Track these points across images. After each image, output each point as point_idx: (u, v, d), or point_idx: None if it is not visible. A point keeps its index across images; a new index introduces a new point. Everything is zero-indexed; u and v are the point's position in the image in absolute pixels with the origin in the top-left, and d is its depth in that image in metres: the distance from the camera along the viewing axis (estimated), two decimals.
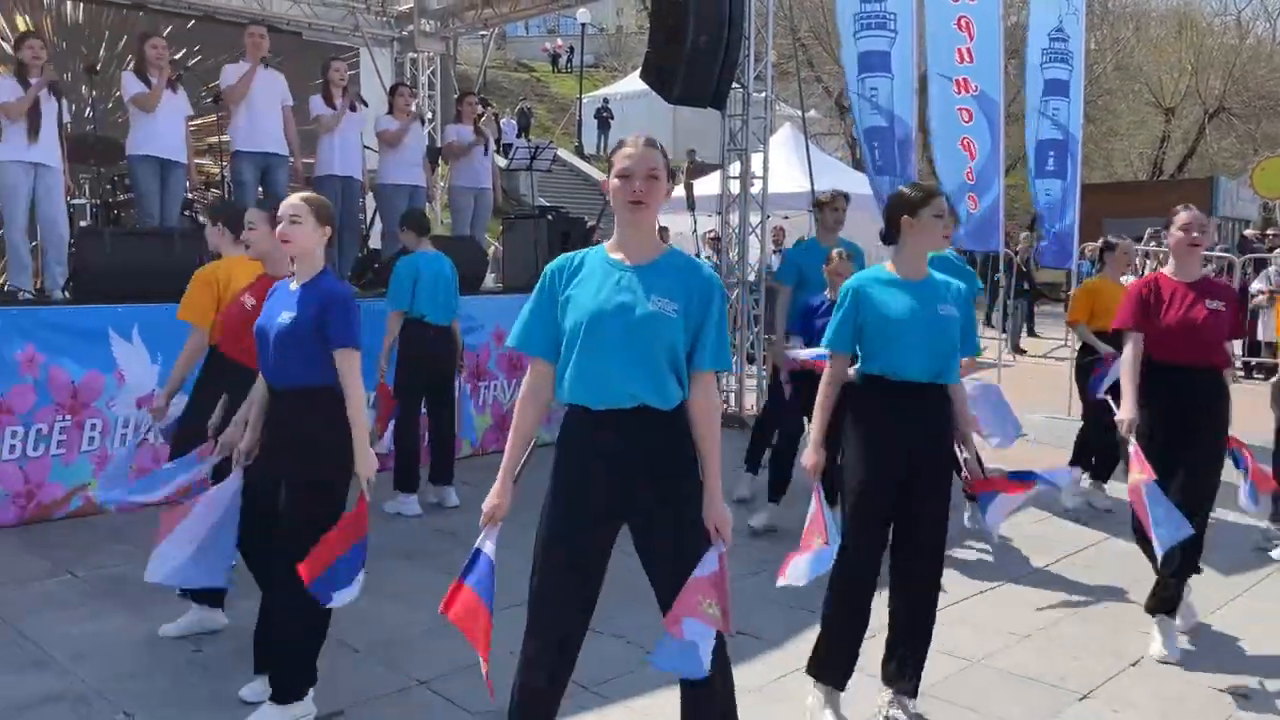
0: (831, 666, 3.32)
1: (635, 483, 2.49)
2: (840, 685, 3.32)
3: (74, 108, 7.45)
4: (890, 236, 3.35)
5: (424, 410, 5.93)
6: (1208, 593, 4.54)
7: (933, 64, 8.19)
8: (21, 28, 8.59)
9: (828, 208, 5.78)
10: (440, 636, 3.94)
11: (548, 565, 2.54)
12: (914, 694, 3.28)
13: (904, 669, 3.28)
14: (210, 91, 7.78)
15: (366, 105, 7.73)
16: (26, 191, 6.13)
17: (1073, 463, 6.20)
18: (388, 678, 3.59)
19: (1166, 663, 3.78)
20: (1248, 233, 15.80)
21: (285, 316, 3.19)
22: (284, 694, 3.19)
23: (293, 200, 3.27)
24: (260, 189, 7.17)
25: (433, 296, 5.72)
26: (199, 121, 8.14)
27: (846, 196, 5.93)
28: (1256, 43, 30.78)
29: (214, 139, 8.05)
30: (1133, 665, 3.77)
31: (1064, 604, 4.43)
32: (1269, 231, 13.81)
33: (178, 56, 7.63)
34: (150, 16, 9.33)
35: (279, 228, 3.24)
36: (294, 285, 3.27)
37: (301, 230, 3.22)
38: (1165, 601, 3.92)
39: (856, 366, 3.33)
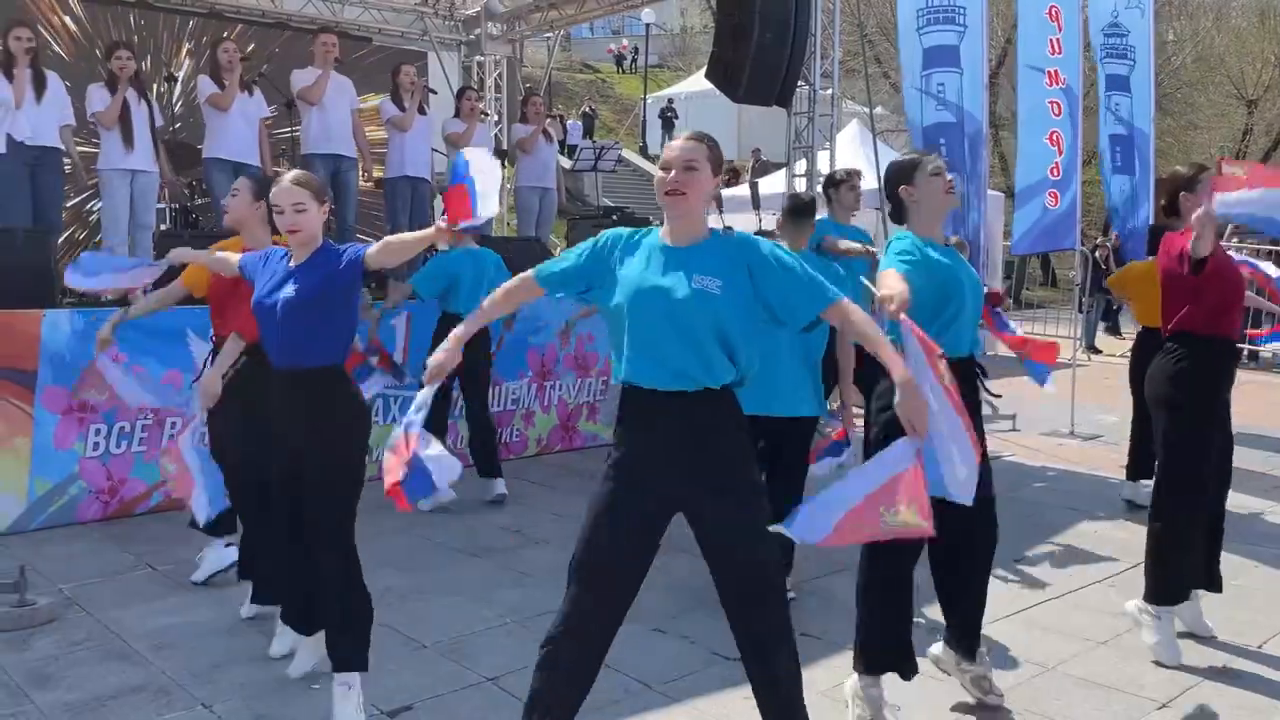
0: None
1: (688, 465, 2.49)
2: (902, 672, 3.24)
3: (165, 111, 7.66)
4: (898, 214, 3.32)
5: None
6: None
7: (1023, 56, 7.98)
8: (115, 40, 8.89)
9: (844, 185, 5.68)
10: (508, 633, 3.98)
11: (595, 538, 2.53)
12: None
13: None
14: (283, 96, 7.96)
15: (427, 113, 7.81)
16: (126, 198, 6.35)
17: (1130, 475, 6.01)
18: (456, 674, 3.62)
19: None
20: None
21: (290, 290, 3.14)
22: (350, 662, 3.19)
23: (288, 187, 3.18)
24: (330, 190, 7.30)
25: (474, 295, 5.71)
26: (272, 127, 8.33)
27: (860, 173, 5.84)
28: None
29: (285, 145, 8.24)
30: (1212, 677, 3.65)
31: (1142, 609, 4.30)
32: None
33: (253, 61, 7.80)
34: (225, 23, 9.57)
35: (286, 220, 3.18)
36: (293, 263, 3.22)
37: (308, 217, 3.18)
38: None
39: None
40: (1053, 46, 7.70)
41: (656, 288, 2.47)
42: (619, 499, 2.53)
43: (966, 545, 3.27)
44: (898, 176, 3.26)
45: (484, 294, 5.66)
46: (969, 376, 3.20)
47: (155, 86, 8.73)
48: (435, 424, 5.86)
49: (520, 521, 5.48)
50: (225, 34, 8.38)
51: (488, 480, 5.91)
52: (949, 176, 3.28)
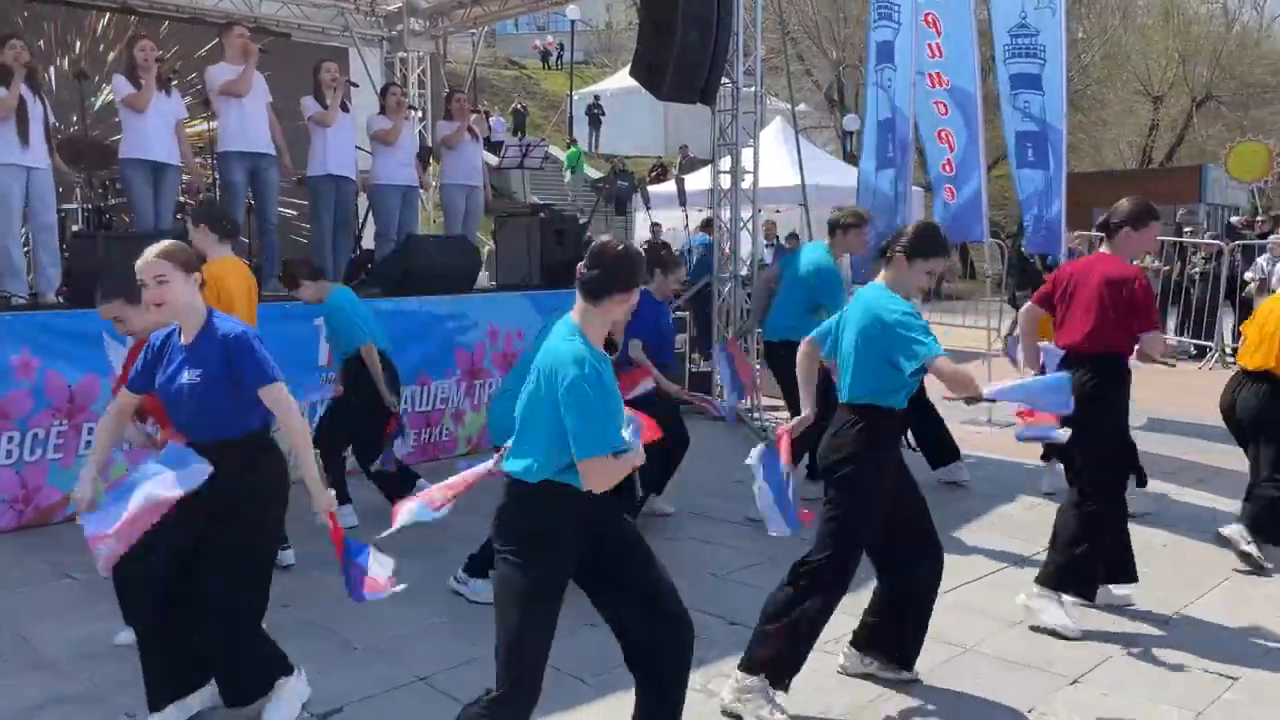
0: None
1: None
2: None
3: (58, 109, 7.42)
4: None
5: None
6: (1195, 577, 4.60)
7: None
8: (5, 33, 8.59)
9: (855, 230, 5.66)
10: (440, 633, 3.99)
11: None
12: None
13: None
14: (195, 94, 7.80)
15: (349, 110, 7.72)
16: (20, 195, 6.14)
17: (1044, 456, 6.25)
18: (388, 675, 3.63)
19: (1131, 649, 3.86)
20: (1234, 220, 15.86)
21: (191, 376, 3.03)
22: (246, 694, 3.20)
23: (149, 259, 3.04)
24: (250, 190, 7.19)
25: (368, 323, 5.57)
26: (197, 127, 8.16)
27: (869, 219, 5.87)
28: (1242, 30, 30.90)
29: (200, 141, 8.06)
30: (1122, 651, 3.82)
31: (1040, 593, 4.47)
32: (1257, 219, 13.88)
33: (165, 56, 7.60)
34: (140, 20, 9.33)
35: (149, 294, 3.04)
36: (184, 340, 3.09)
37: (171, 289, 3.03)
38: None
39: None
40: (931, 50, 7.96)
41: None
42: (557, 592, 2.66)
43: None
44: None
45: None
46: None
47: (48, 81, 8.45)
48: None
49: (451, 521, 5.46)
50: (139, 31, 8.17)
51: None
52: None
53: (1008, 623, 4.09)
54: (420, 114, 10.92)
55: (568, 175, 23.19)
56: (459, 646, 3.87)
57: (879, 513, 3.34)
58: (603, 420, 2.47)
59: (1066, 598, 4.04)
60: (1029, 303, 4.48)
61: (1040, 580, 4.10)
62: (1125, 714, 3.32)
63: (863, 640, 3.60)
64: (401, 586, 3.10)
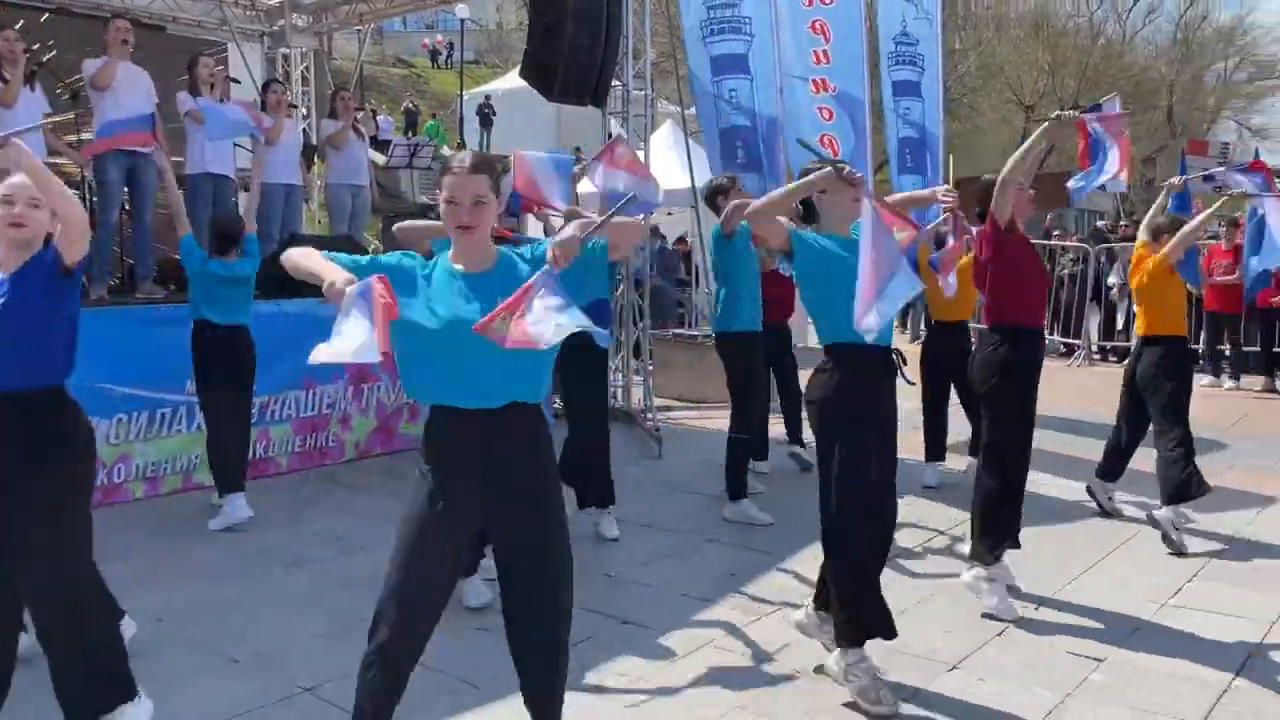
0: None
1: (496, 483, 2.58)
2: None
3: None
4: (810, 214, 3.62)
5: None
6: (1064, 563, 4.83)
7: (789, 65, 8.43)
8: None
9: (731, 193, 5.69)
10: (324, 643, 3.90)
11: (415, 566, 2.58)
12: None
13: None
14: (67, 88, 7.44)
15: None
16: None
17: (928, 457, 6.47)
18: (271, 687, 3.52)
19: (1020, 627, 4.04)
20: (1100, 224, 16.69)
21: None
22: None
23: (25, 180, 2.89)
24: (126, 189, 6.90)
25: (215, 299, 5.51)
26: (57, 119, 7.77)
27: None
28: (1107, 43, 32.56)
29: (73, 137, 7.68)
30: (997, 635, 3.98)
31: (937, 580, 4.63)
32: (1121, 223, 14.63)
33: (31, 49, 7.23)
34: (4, 11, 8.84)
35: (14, 210, 2.87)
36: (2, 271, 2.89)
37: (39, 215, 2.91)
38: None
39: None
40: (817, 57, 8.18)
41: (466, 315, 2.49)
42: (437, 525, 2.56)
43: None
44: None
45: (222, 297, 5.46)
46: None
47: None
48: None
49: (339, 528, 5.35)
50: (5, 21, 7.74)
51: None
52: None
53: (895, 611, 4.22)
54: (304, 112, 10.65)
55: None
56: (346, 656, 3.78)
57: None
58: None
59: (999, 582, 4.21)
60: None
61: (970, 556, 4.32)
62: (1000, 697, 3.46)
63: (822, 601, 3.68)
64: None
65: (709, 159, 8.38)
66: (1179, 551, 4.97)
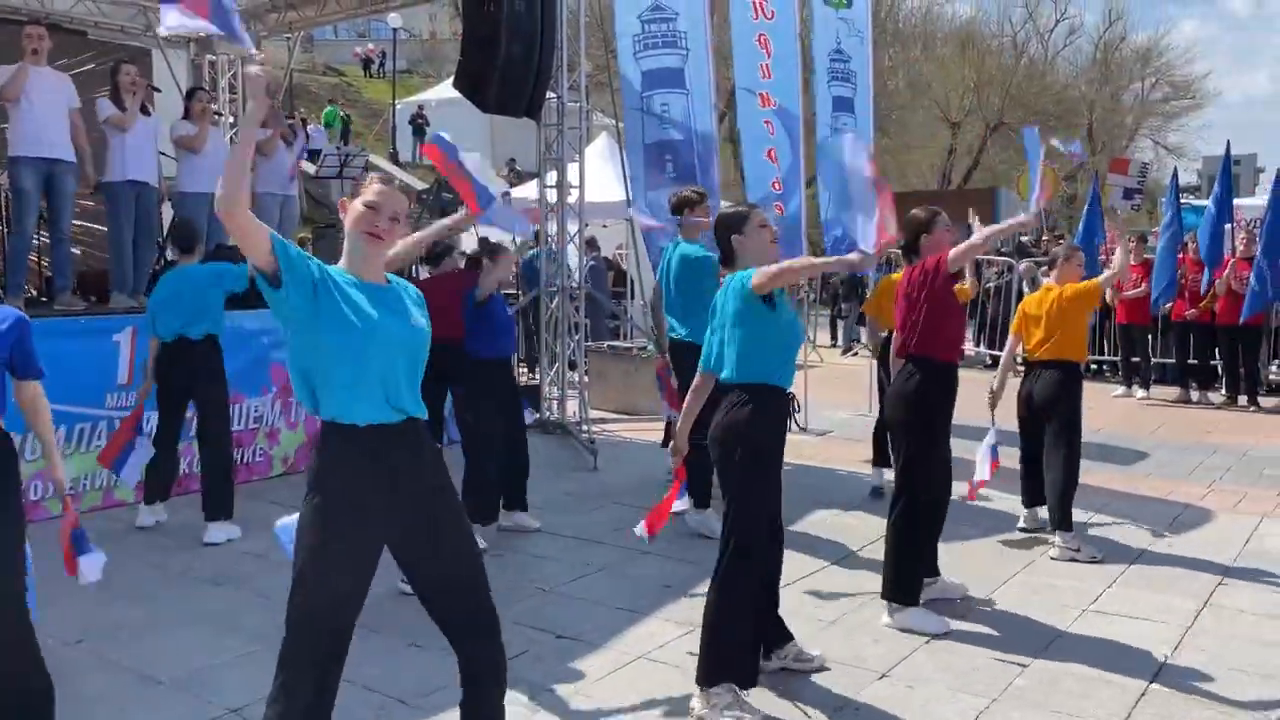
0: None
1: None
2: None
3: None
4: (728, 259, 3.66)
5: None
6: (988, 570, 4.94)
7: (739, 79, 8.55)
8: None
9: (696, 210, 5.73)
10: (251, 662, 3.81)
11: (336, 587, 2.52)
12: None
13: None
14: None
15: (151, 113, 7.31)
16: None
17: (875, 462, 6.57)
18: (195, 709, 3.44)
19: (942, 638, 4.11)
20: (1024, 239, 17.12)
21: None
22: None
23: None
24: (44, 198, 6.70)
25: (177, 317, 5.54)
26: None
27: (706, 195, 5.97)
28: (1030, 63, 33.51)
29: None
30: (925, 644, 4.05)
31: (864, 589, 4.70)
32: (1043, 238, 15.03)
33: None
34: None
35: None
36: None
37: None
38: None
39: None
40: (763, 71, 8.30)
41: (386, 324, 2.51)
42: (352, 540, 2.49)
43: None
44: (729, 226, 3.63)
45: (186, 316, 5.44)
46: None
47: None
48: (163, 440, 5.57)
49: (264, 545, 5.24)
50: None
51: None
52: (774, 228, 3.67)
53: (825, 623, 4.27)
54: (231, 120, 10.45)
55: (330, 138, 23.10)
56: (271, 676, 3.71)
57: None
58: None
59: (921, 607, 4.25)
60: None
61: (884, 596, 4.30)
62: (928, 704, 3.52)
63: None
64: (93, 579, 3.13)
65: (632, 172, 8.39)
66: (1094, 561, 5.11)
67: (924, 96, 30.29)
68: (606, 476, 7.08)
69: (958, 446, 4.59)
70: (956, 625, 4.24)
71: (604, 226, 13.94)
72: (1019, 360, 5.98)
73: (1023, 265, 12.54)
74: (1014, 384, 5.64)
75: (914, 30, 31.93)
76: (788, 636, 3.78)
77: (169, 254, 5.87)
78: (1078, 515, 5.37)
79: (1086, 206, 11.89)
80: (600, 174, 12.41)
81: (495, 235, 9.60)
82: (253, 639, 4.02)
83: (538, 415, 8.31)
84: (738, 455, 3.40)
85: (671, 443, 3.86)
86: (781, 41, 8.28)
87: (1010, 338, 5.76)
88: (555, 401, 8.53)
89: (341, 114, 26.98)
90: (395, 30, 29.70)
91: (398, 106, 28.43)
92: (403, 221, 2.60)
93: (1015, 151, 30.86)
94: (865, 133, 9.17)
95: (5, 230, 6.93)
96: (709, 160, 8.11)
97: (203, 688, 3.60)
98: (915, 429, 4.26)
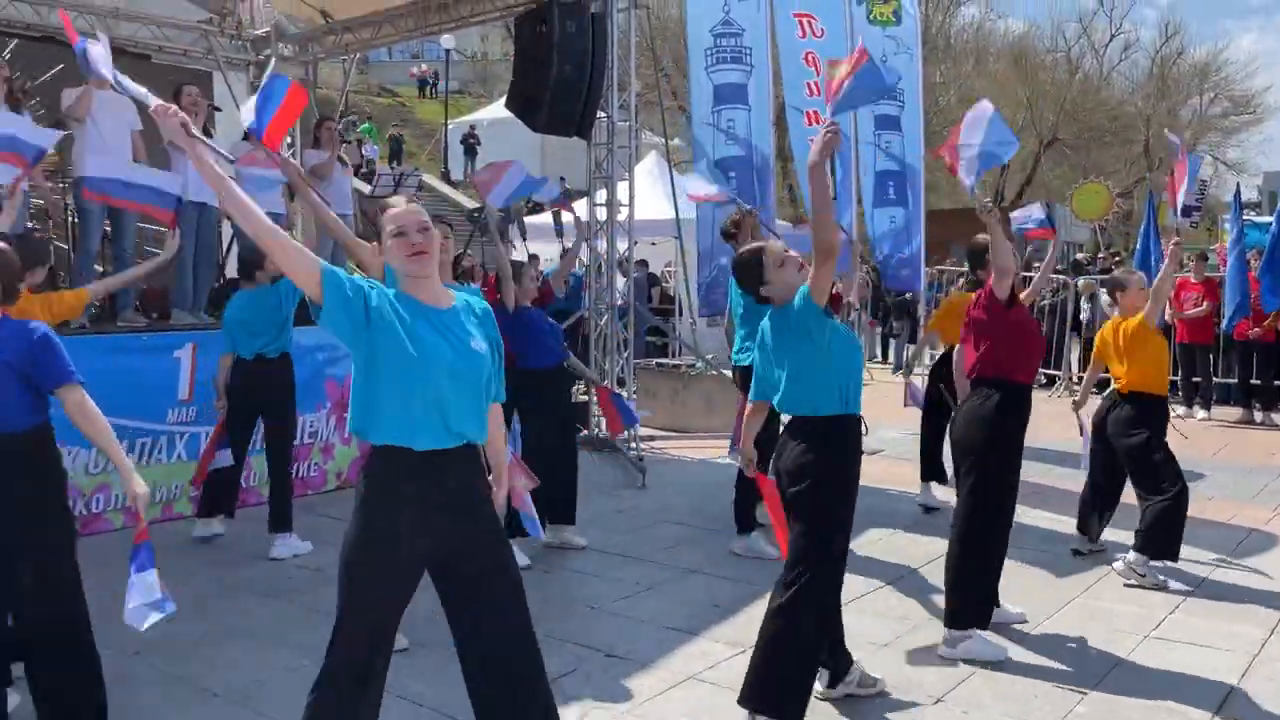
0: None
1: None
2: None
3: None
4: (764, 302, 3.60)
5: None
6: (1044, 595, 4.83)
7: (788, 97, 8.56)
8: None
9: (740, 235, 5.70)
10: (300, 676, 3.84)
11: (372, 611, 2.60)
12: None
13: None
14: (50, 115, 7.42)
15: (213, 135, 7.48)
16: None
17: (924, 477, 6.53)
18: None
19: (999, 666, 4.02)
20: (1079, 256, 16.86)
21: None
22: None
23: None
24: (107, 216, 6.87)
25: (258, 337, 5.70)
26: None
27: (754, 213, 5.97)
28: (1085, 78, 33.03)
29: (54, 163, 7.66)
30: (982, 669, 3.98)
31: (918, 612, 4.63)
32: (1099, 255, 14.78)
33: (16, 79, 7.22)
34: None
35: None
36: None
37: None
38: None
39: None
40: (810, 89, 8.29)
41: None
42: (395, 559, 2.55)
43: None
44: (750, 278, 3.55)
45: (267, 335, 5.56)
46: None
47: None
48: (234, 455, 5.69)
49: (318, 559, 5.31)
50: None
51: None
52: (795, 254, 3.56)
53: (878, 646, 4.21)
54: (289, 141, 10.66)
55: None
56: None
57: None
58: None
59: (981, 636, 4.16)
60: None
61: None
62: None
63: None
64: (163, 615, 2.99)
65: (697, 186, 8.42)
66: (1159, 587, 4.97)
67: None
68: (655, 494, 7.07)
69: (1027, 469, 4.52)
70: (1013, 651, 4.16)
71: (652, 244, 13.97)
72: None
73: (1081, 281, 12.35)
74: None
75: (965, 46, 31.66)
76: (850, 661, 3.70)
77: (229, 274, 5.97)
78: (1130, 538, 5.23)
79: (1143, 224, 11.68)
80: (649, 192, 12.46)
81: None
82: (303, 653, 4.05)
83: (585, 432, 8.34)
84: (820, 491, 3.33)
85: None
86: (830, 58, 8.29)
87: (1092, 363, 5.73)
88: (604, 419, 8.54)
89: (393, 133, 27.43)
90: (448, 51, 30.13)
91: (450, 126, 28.81)
92: (433, 226, 2.62)
93: (1070, 167, 30.46)
94: (915, 150, 9.11)
95: (71, 248, 7.11)
96: (766, 177, 8.13)
97: (255, 701, 3.64)
98: (985, 451, 4.18)
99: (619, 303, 8.72)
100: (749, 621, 4.48)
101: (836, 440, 3.40)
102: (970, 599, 4.15)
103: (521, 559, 5.07)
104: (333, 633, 2.58)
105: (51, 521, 3.15)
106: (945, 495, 6.43)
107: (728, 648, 4.18)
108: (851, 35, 8.80)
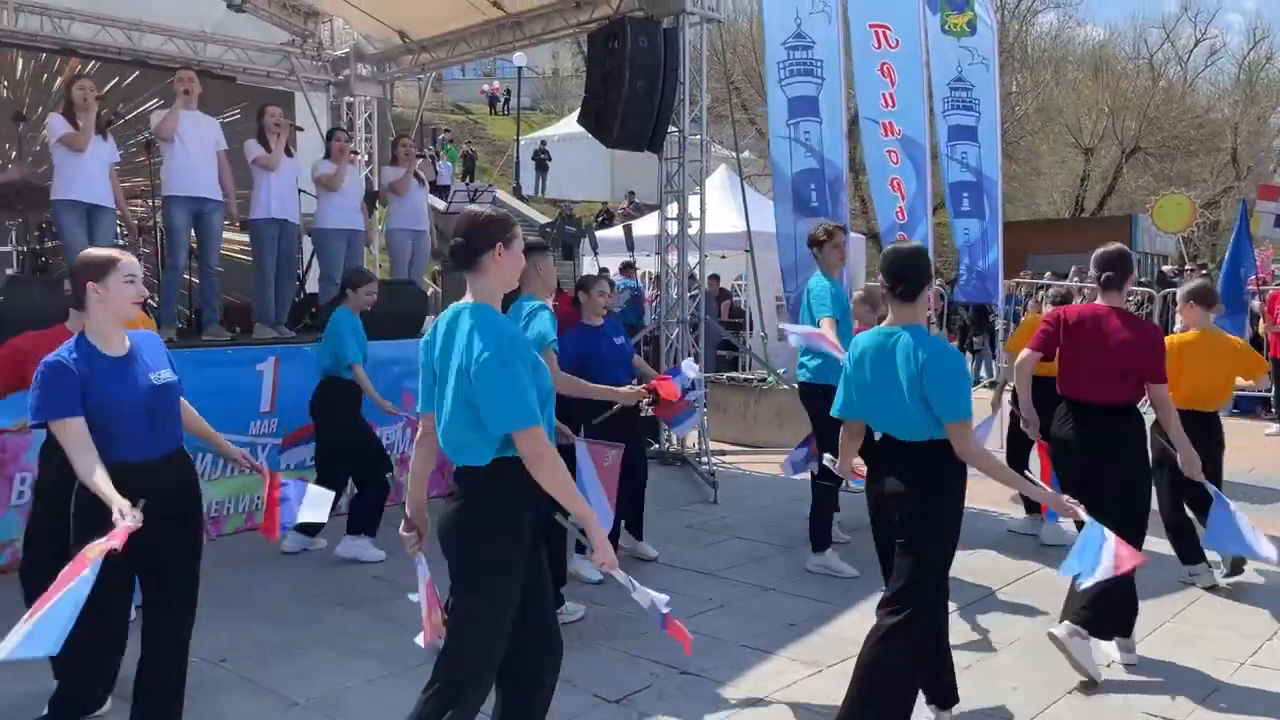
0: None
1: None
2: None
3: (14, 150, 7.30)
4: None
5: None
6: (1140, 615, 4.66)
7: (862, 108, 8.49)
8: None
9: (828, 244, 5.58)
10: (383, 685, 3.89)
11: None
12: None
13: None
14: (140, 137, 7.69)
15: (294, 153, 7.66)
16: None
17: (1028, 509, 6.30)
18: None
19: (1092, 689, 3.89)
20: (1165, 268, 16.37)
21: (165, 375, 3.09)
22: None
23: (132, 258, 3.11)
24: (193, 233, 7.09)
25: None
26: (130, 166, 8.04)
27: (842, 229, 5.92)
28: (1168, 85, 32.13)
29: (146, 184, 7.94)
30: (1068, 693, 3.85)
31: (1001, 634, 4.51)
32: (1185, 267, 14.34)
33: (104, 95, 7.50)
34: (80, 62, 9.20)
35: (136, 291, 3.06)
36: (127, 344, 3.06)
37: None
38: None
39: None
40: (885, 100, 8.20)
41: None
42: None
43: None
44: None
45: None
46: None
47: None
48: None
49: (394, 570, 5.37)
50: (80, 71, 8.05)
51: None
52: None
53: (960, 668, 4.11)
54: (366, 158, 10.89)
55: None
56: (403, 697, 3.78)
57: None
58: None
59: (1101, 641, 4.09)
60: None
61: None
62: None
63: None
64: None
65: (779, 203, 8.40)
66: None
67: (1054, 122, 29.34)
68: (726, 510, 7.02)
69: None
70: (1106, 673, 4.02)
71: (722, 257, 13.93)
72: None
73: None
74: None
75: (1043, 55, 31.02)
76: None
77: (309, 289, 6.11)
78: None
79: (1234, 235, 11.28)
80: (719, 205, 12.43)
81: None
82: (382, 663, 4.11)
83: (656, 445, 8.33)
84: (935, 517, 3.28)
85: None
86: (906, 70, 8.19)
87: None
88: (675, 433, 8.52)
89: (466, 149, 27.85)
90: (520, 68, 30.49)
91: (521, 142, 29.13)
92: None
93: (1153, 177, 29.63)
94: (991, 161, 8.95)
95: (159, 265, 7.34)
96: (838, 189, 8.07)
97: (337, 710, 3.69)
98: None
99: (689, 316, 8.71)
100: (824, 641, 4.42)
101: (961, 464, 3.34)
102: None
103: (594, 575, 5.08)
104: (465, 643, 2.69)
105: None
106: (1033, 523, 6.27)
107: (803, 667, 4.12)
108: (927, 46, 8.70)
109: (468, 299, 2.71)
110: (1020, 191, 28.42)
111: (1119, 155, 29.44)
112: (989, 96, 8.99)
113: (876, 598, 3.61)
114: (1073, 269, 14.35)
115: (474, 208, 2.72)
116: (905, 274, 3.33)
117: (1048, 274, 16.22)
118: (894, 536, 3.31)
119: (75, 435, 2.86)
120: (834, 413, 3.58)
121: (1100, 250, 4.32)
